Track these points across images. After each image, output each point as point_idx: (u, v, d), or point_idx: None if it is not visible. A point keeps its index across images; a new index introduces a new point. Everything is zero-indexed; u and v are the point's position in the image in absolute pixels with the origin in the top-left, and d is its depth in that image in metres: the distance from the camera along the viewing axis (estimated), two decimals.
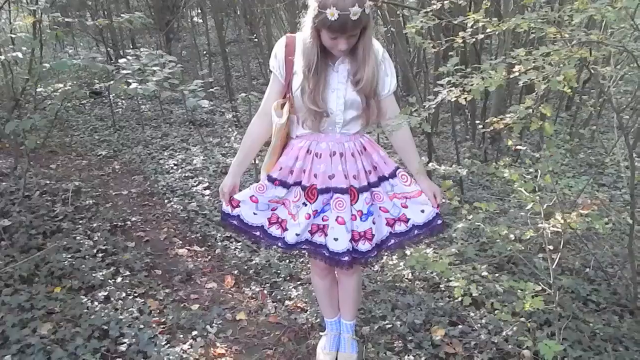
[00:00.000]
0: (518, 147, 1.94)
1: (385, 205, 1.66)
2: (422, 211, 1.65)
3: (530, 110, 1.53)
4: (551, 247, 1.88)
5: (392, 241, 1.68)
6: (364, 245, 1.61)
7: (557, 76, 1.44)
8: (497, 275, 2.32)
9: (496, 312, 1.83)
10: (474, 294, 1.79)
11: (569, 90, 1.52)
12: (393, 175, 1.65)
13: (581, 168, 4.05)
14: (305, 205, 1.61)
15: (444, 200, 1.70)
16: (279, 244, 1.68)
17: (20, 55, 2.88)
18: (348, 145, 1.58)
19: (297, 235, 1.62)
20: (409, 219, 1.66)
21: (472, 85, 1.55)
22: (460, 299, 1.82)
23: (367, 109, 1.54)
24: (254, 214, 1.67)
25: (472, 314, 2.18)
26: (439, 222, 1.67)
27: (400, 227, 1.68)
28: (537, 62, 1.55)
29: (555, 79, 1.47)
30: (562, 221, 1.78)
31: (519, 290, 1.67)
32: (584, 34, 1.53)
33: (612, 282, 2.37)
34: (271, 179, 1.64)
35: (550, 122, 1.60)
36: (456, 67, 1.83)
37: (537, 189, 1.89)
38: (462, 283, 1.79)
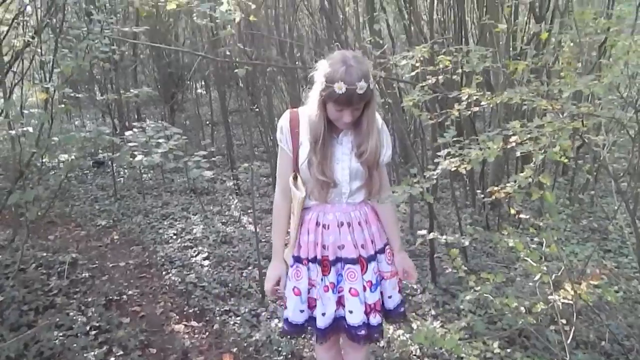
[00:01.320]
0: (521, 215, 1.93)
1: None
2: (390, 297, 1.66)
3: (530, 180, 1.55)
4: (564, 321, 1.81)
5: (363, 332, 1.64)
6: (374, 319, 1.58)
7: (554, 147, 1.47)
8: (509, 350, 2.22)
9: None
10: None
11: (566, 159, 1.55)
12: (382, 251, 1.64)
13: (584, 234, 4.01)
14: (322, 280, 1.59)
15: (416, 281, 1.72)
16: (316, 334, 1.64)
17: (30, 129, 2.95)
18: (354, 214, 1.59)
19: (323, 315, 1.58)
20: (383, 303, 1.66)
21: (470, 156, 1.58)
22: None
23: (370, 180, 1.55)
24: (301, 311, 1.61)
25: None
26: (402, 310, 1.70)
27: (374, 320, 1.64)
28: (532, 134, 1.59)
29: (552, 151, 1.50)
30: (572, 292, 1.73)
31: None
32: (575, 106, 1.58)
33: (630, 357, 2.26)
34: (299, 260, 1.61)
35: (550, 191, 1.60)
36: (454, 139, 1.88)
37: (543, 258, 1.85)
38: None
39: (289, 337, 1.85)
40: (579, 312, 2.49)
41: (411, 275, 1.71)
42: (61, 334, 2.39)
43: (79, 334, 2.41)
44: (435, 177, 1.53)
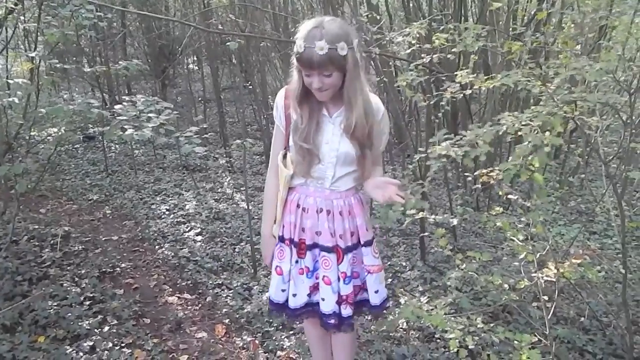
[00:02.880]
0: (510, 196, 1.98)
1: (357, 269, 1.62)
2: (376, 292, 1.61)
3: (520, 162, 1.58)
4: (546, 298, 1.87)
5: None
6: (345, 310, 1.58)
7: (544, 132, 1.50)
8: (492, 325, 2.28)
9: None
10: (470, 346, 1.76)
11: (558, 143, 1.58)
12: (368, 244, 1.59)
13: (572, 216, 4.10)
14: (297, 262, 1.59)
15: (404, 194, 1.49)
16: (286, 313, 1.66)
17: (17, 100, 2.91)
18: (337, 202, 1.54)
19: (294, 296, 1.60)
20: (366, 289, 1.63)
21: (461, 155, 1.60)
22: (456, 350, 1.79)
23: (363, 159, 1.48)
24: (282, 290, 1.63)
25: None
26: (387, 304, 1.66)
27: (362, 295, 1.65)
28: (524, 123, 1.61)
29: (540, 136, 1.53)
30: (555, 270, 1.79)
31: (515, 342, 1.65)
32: (568, 91, 1.60)
33: (607, 332, 2.35)
34: (283, 240, 1.63)
35: (539, 173, 1.64)
36: (445, 135, 1.90)
37: (529, 238, 1.91)
38: (457, 334, 1.77)
39: (274, 314, 1.83)
40: (561, 289, 2.59)
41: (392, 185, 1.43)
42: (55, 304, 2.42)
43: (73, 304, 2.44)
44: (424, 187, 1.56)
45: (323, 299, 1.57)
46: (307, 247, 1.56)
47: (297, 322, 1.72)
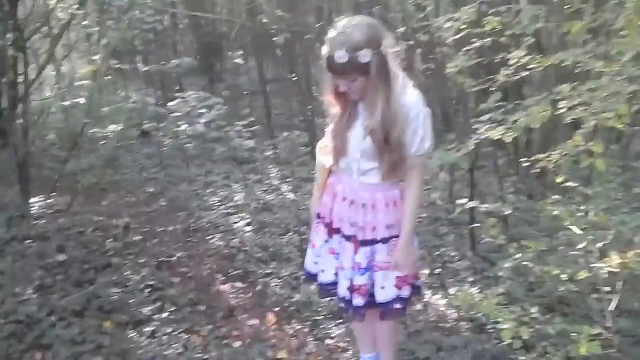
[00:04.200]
0: (569, 183, 1.89)
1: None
2: (383, 288, 1.59)
3: (580, 148, 1.50)
4: (608, 289, 1.78)
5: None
6: (356, 300, 1.59)
7: (606, 113, 1.41)
8: (548, 317, 2.21)
9: (548, 356, 1.74)
10: (524, 337, 1.71)
11: (621, 125, 1.49)
12: (386, 241, 1.57)
13: (635, 203, 3.84)
14: (327, 242, 1.65)
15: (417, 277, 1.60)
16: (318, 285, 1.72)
17: (83, 101, 3.12)
18: (362, 195, 1.54)
19: (322, 272, 1.66)
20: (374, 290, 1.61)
21: (514, 123, 1.54)
22: (509, 342, 1.74)
23: (382, 158, 1.46)
24: (315, 263, 1.70)
25: (521, 358, 2.06)
26: (397, 306, 1.59)
27: (357, 300, 1.62)
28: (583, 98, 1.53)
29: (604, 116, 1.44)
30: (619, 261, 1.69)
31: (573, 334, 1.59)
32: (636, 69, 1.50)
33: None
34: (319, 216, 1.69)
35: (601, 159, 1.55)
36: (497, 104, 1.83)
37: (589, 227, 1.82)
38: (511, 325, 1.72)
39: (307, 281, 1.90)
40: (624, 281, 2.44)
41: (400, 268, 1.56)
42: (119, 291, 2.59)
43: (134, 291, 2.60)
44: (473, 144, 1.51)
45: (338, 283, 1.63)
46: (335, 231, 1.61)
47: (321, 297, 1.75)
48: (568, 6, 3.34)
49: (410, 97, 1.45)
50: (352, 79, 1.39)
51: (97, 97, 3.28)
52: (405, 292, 1.60)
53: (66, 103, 2.89)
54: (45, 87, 5.61)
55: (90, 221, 3.49)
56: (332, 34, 1.37)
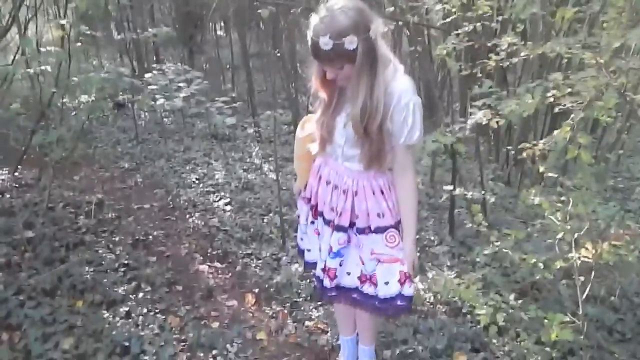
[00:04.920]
0: (550, 174, 1.90)
1: (364, 256, 1.58)
2: (386, 283, 1.55)
3: (567, 139, 1.50)
4: (582, 278, 1.83)
5: (355, 296, 1.64)
6: (325, 281, 1.62)
7: (598, 102, 1.41)
8: (521, 301, 2.27)
9: (519, 339, 1.80)
10: (500, 323, 1.76)
11: (608, 118, 1.49)
12: (381, 230, 1.54)
13: (606, 193, 3.95)
14: (312, 222, 1.67)
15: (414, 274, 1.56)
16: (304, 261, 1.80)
17: (49, 68, 2.93)
18: (346, 180, 1.52)
19: (308, 251, 1.72)
20: (377, 283, 1.58)
21: (507, 109, 1.53)
22: (485, 326, 1.79)
23: (363, 147, 1.43)
24: (301, 239, 1.78)
25: (495, 341, 2.12)
26: (401, 303, 1.54)
27: (368, 289, 1.61)
28: (574, 88, 1.52)
29: (593, 106, 1.44)
30: (593, 251, 1.73)
31: (545, 320, 1.63)
32: (624, 61, 1.50)
33: (638, 312, 2.31)
34: (304, 197, 1.72)
35: (587, 151, 1.56)
36: (490, 89, 1.81)
37: (567, 217, 1.85)
38: (488, 311, 1.76)
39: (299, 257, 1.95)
40: (594, 269, 2.52)
41: (406, 266, 1.54)
42: (92, 270, 2.51)
43: (108, 270, 2.53)
44: (469, 127, 1.49)
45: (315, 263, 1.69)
46: (319, 213, 1.62)
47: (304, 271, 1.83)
48: None
49: (400, 84, 1.39)
50: (338, 67, 1.33)
51: (65, 65, 3.09)
52: (409, 289, 1.54)
53: (31, 70, 2.71)
54: (8, 52, 5.31)
55: (60, 196, 3.36)
56: (315, 18, 1.30)
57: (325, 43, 1.26)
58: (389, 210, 1.53)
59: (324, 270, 1.61)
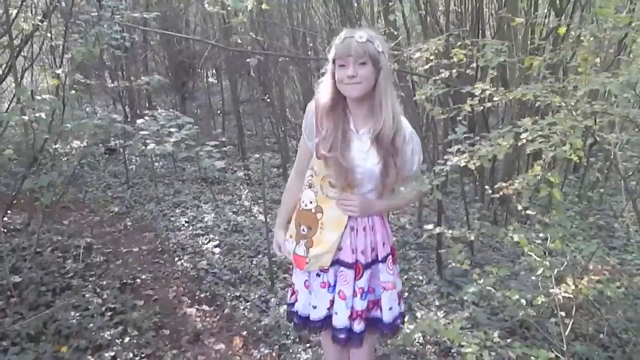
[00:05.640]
0: (528, 212, 1.97)
1: (374, 285, 1.64)
2: (390, 308, 1.62)
3: (539, 177, 1.58)
4: (563, 314, 1.85)
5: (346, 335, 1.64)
6: (358, 325, 1.59)
7: (564, 146, 1.50)
8: (509, 340, 2.27)
9: None
10: None
11: (577, 158, 1.58)
12: (384, 260, 1.61)
13: (591, 231, 4.03)
14: (319, 275, 1.62)
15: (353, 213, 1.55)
16: (308, 326, 1.68)
17: (43, 116, 3.01)
18: (361, 219, 1.56)
19: (314, 308, 1.62)
20: (381, 307, 1.64)
21: (480, 153, 1.61)
22: None
23: (386, 174, 1.49)
24: (314, 307, 1.64)
25: None
26: (399, 321, 1.67)
27: (375, 313, 1.65)
28: (543, 131, 1.62)
29: (562, 149, 1.53)
30: (573, 286, 1.77)
31: (532, 357, 1.64)
32: (589, 105, 1.61)
33: (627, 349, 2.31)
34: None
35: (558, 189, 1.64)
36: (465, 135, 1.91)
37: (547, 253, 1.90)
38: (474, 349, 1.76)
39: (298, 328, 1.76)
40: (579, 305, 2.54)
41: (351, 208, 1.53)
42: (78, 314, 2.48)
43: (95, 315, 2.50)
44: (444, 173, 1.56)
45: (336, 313, 1.60)
46: (331, 263, 1.57)
47: (314, 335, 1.75)
48: (530, 43, 3.55)
49: (403, 118, 1.55)
50: (362, 61, 1.42)
51: (59, 112, 3.18)
52: (403, 306, 1.68)
53: (26, 117, 2.78)
54: (3, 100, 5.42)
55: (49, 240, 3.35)
56: (345, 30, 1.47)
57: (361, 36, 1.42)
58: (387, 238, 1.63)
59: (353, 317, 1.58)
